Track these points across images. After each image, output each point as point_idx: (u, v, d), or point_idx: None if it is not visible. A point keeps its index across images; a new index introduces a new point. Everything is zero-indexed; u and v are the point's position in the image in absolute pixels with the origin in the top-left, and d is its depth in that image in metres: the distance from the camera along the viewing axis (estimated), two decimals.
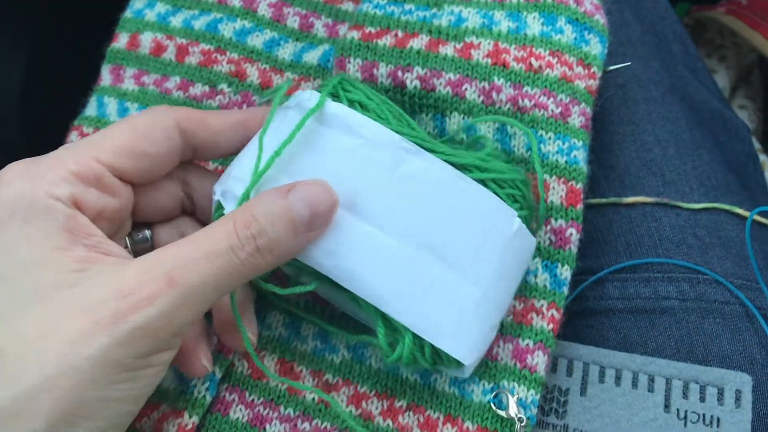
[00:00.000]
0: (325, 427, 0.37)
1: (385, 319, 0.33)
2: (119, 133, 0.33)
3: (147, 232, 0.36)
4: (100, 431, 0.30)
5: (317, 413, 0.37)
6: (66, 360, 0.28)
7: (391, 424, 0.37)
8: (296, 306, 0.39)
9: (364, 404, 0.37)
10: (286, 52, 0.44)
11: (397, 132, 0.34)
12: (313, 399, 0.37)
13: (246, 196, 0.33)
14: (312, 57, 0.43)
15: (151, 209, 0.35)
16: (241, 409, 0.37)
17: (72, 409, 0.28)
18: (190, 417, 0.36)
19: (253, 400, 0.37)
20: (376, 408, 0.37)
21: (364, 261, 0.33)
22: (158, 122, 0.34)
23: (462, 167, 0.34)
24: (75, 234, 0.31)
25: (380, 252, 0.32)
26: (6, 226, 0.30)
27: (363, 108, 0.35)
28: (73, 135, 0.46)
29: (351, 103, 0.34)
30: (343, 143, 0.33)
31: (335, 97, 0.35)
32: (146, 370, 0.30)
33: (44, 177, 0.31)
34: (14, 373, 0.28)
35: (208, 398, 0.37)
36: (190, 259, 0.30)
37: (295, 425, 0.37)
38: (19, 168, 0.32)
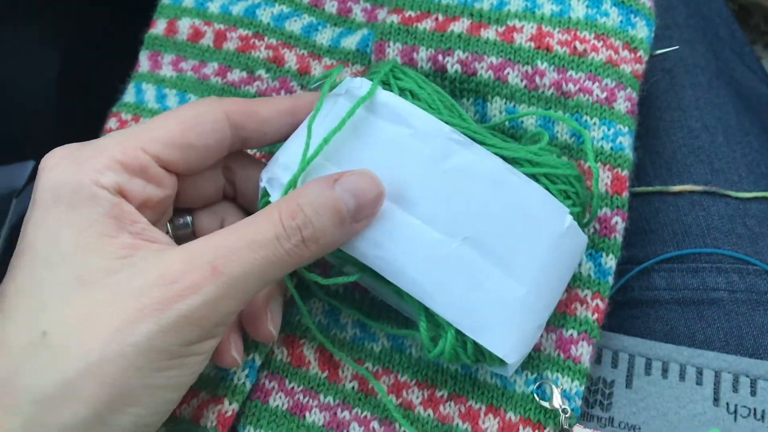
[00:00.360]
0: (365, 416, 0.36)
1: (428, 313, 0.33)
2: (166, 124, 0.33)
3: (188, 218, 0.36)
4: (144, 418, 0.29)
5: (357, 402, 0.37)
6: (111, 347, 0.28)
7: (432, 413, 0.36)
8: (335, 294, 0.39)
9: (404, 394, 0.37)
10: (324, 37, 0.44)
11: (448, 123, 0.33)
12: (353, 388, 0.37)
13: (292, 184, 0.32)
14: (350, 42, 0.43)
15: (193, 196, 0.35)
16: (280, 397, 0.37)
17: (117, 395, 0.28)
18: (230, 404, 0.36)
19: (292, 388, 0.37)
20: (417, 398, 0.36)
21: (408, 254, 0.32)
22: (207, 114, 0.33)
23: (513, 161, 0.33)
24: (120, 221, 0.30)
25: (426, 245, 0.32)
26: (51, 211, 0.30)
27: (414, 97, 0.34)
28: (112, 121, 0.46)
29: (402, 92, 0.34)
30: (393, 133, 0.33)
31: (386, 85, 0.34)
32: (190, 358, 0.30)
33: (90, 164, 0.31)
34: (60, 359, 0.28)
35: (248, 385, 0.37)
36: (234, 249, 0.29)
37: (335, 414, 0.37)
38: (64, 154, 0.31)
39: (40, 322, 0.29)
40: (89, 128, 0.62)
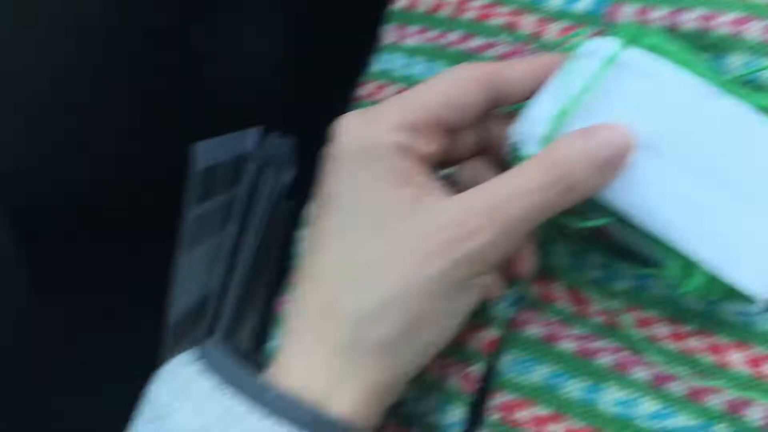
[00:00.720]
0: (615, 347, 0.40)
1: (677, 253, 0.36)
2: (441, 87, 0.38)
3: (454, 171, 0.41)
4: (435, 338, 0.36)
5: (607, 333, 0.41)
6: (412, 279, 0.34)
7: (677, 347, 0.39)
8: (580, 238, 0.43)
9: (650, 328, 0.40)
10: (557, 1, 0.46)
11: (696, 75, 0.35)
12: (602, 321, 0.41)
13: (546, 140, 0.37)
14: (582, 5, 0.45)
15: (457, 151, 0.41)
16: (535, 327, 0.42)
17: (416, 318, 0.35)
18: (495, 331, 0.42)
19: (545, 320, 0.42)
20: (663, 332, 0.40)
21: (659, 198, 0.35)
22: (469, 78, 0.38)
23: (764, 110, 0.35)
24: (407, 175, 0.37)
25: (677, 190, 0.35)
26: (348, 165, 0.37)
27: (660, 53, 0.36)
28: (364, 89, 0.52)
29: (649, 49, 0.36)
30: (641, 88, 0.36)
31: (631, 43, 0.37)
32: (472, 290, 0.36)
33: (380, 125, 0.37)
34: (373, 287, 0.35)
35: (509, 316, 0.42)
36: (508, 196, 0.35)
37: (586, 343, 0.41)
38: (357, 117, 0.38)
39: (354, 258, 0.36)
40: (314, 97, 0.68)
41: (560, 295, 0.42)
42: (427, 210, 0.36)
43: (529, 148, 0.38)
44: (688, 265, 0.36)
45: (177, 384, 0.34)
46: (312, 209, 0.40)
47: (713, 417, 0.38)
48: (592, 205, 0.38)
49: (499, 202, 0.35)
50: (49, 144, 0.63)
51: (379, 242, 0.36)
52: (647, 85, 0.36)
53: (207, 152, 0.69)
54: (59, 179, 0.65)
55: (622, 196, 0.36)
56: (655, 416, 0.39)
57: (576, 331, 0.41)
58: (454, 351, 0.42)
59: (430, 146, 0.38)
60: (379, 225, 0.36)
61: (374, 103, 0.46)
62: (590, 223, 0.38)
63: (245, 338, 0.78)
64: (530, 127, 0.38)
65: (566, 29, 0.46)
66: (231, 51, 0.77)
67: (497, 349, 0.42)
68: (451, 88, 0.38)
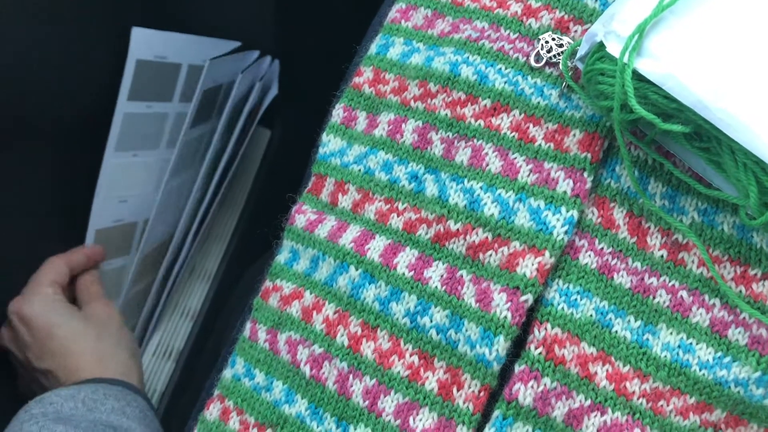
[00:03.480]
0: (673, 285, 0.37)
1: (759, 180, 0.32)
2: None
3: None
4: None
5: (665, 270, 0.37)
6: None
7: (743, 290, 0.36)
8: (645, 164, 0.38)
9: (716, 268, 0.36)
10: None
11: None
12: (662, 256, 0.37)
13: (639, 31, 0.34)
14: None
15: None
16: (590, 255, 0.38)
17: None
18: (550, 257, 0.37)
19: (602, 249, 0.38)
20: (728, 273, 0.36)
21: (752, 105, 0.32)
22: None
23: None
24: None
25: None
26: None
27: None
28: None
29: None
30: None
31: None
32: None
33: None
34: None
35: (566, 240, 0.37)
36: None
37: (642, 279, 0.37)
38: None
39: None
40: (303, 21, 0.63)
41: (620, 224, 0.38)
42: None
43: (612, 46, 0.35)
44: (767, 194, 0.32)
45: None
46: None
47: None
48: (676, 110, 0.33)
49: None
50: None
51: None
52: None
53: (213, 72, 0.62)
54: None
55: (715, 102, 0.32)
56: (711, 365, 0.36)
57: (635, 264, 0.37)
58: (500, 276, 0.37)
59: None
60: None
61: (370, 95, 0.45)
62: (676, 128, 0.33)
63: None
64: (616, 25, 0.35)
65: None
66: None
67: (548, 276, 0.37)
68: None
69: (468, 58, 0.42)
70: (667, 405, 0.36)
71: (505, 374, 0.37)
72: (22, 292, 0.61)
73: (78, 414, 0.50)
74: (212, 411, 0.44)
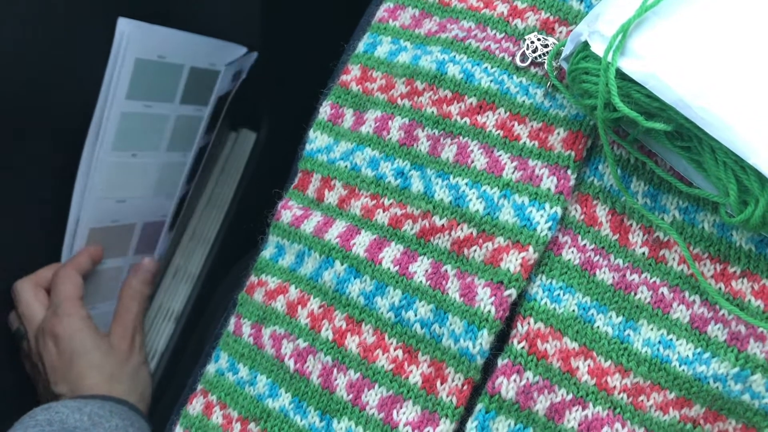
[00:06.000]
0: (654, 282, 0.37)
1: (738, 178, 0.33)
2: None
3: None
4: None
5: (647, 267, 0.37)
6: None
7: (723, 287, 0.36)
8: (627, 163, 0.39)
9: (697, 265, 0.37)
10: None
11: None
12: (643, 254, 0.38)
13: (619, 34, 0.34)
14: None
15: None
16: (573, 252, 0.38)
17: None
18: (534, 252, 0.37)
19: (585, 245, 0.38)
20: (709, 270, 0.37)
21: (732, 104, 0.32)
22: None
23: None
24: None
25: (755, 96, 0.32)
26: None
27: None
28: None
29: None
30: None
31: None
32: None
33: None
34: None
35: (549, 236, 0.38)
36: None
37: (624, 275, 0.37)
38: None
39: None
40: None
41: (602, 221, 0.38)
42: None
43: (597, 46, 0.35)
44: (748, 192, 0.33)
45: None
46: None
47: (757, 365, 0.35)
48: (658, 109, 0.34)
49: None
50: None
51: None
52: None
53: (224, 79, 0.62)
54: None
55: (695, 100, 0.33)
56: (690, 361, 0.36)
57: (617, 261, 0.38)
58: (484, 271, 0.38)
59: None
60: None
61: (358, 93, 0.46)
62: (658, 126, 0.34)
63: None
64: (600, 26, 0.35)
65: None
66: None
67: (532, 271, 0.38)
68: None
69: (455, 57, 0.43)
70: (648, 400, 0.36)
71: (489, 368, 0.38)
72: (52, 307, 0.61)
73: (82, 427, 0.50)
74: (195, 406, 0.44)
